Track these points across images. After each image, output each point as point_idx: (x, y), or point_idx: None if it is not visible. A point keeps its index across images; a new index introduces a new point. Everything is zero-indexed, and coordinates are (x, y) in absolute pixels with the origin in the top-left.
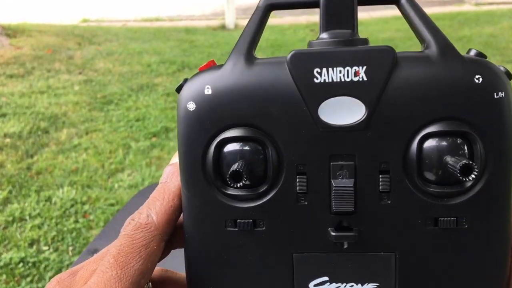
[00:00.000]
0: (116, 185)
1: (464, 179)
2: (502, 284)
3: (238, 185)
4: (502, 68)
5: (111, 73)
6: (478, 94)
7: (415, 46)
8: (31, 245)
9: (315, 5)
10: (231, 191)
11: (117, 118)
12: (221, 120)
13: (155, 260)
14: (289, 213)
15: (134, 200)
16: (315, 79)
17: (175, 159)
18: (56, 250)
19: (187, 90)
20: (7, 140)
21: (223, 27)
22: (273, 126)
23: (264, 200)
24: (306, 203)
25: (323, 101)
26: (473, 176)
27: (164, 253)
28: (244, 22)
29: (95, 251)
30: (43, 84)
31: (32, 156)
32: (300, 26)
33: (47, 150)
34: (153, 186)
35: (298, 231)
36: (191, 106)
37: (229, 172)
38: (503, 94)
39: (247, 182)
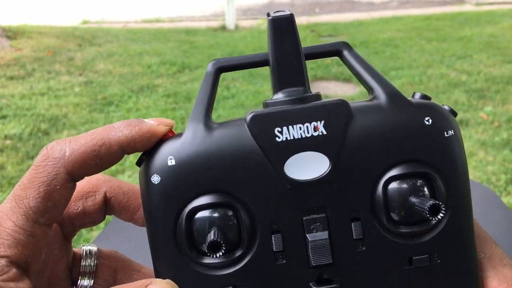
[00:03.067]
0: None
1: (433, 219)
2: None
3: (217, 255)
4: (446, 107)
5: (111, 75)
6: (430, 135)
7: (415, 46)
8: None
9: (263, 64)
10: (207, 260)
11: (118, 120)
12: (188, 190)
13: (60, 200)
14: (269, 273)
15: None
16: (277, 138)
17: (150, 121)
18: None
19: (149, 163)
20: (8, 142)
21: (223, 28)
22: (242, 189)
23: (242, 264)
24: (284, 261)
25: (287, 159)
26: (441, 215)
27: (95, 212)
28: (244, 23)
29: None
30: (44, 85)
31: (32, 158)
32: (300, 27)
33: None
34: None
35: None
36: (156, 179)
37: (207, 243)
38: (452, 132)
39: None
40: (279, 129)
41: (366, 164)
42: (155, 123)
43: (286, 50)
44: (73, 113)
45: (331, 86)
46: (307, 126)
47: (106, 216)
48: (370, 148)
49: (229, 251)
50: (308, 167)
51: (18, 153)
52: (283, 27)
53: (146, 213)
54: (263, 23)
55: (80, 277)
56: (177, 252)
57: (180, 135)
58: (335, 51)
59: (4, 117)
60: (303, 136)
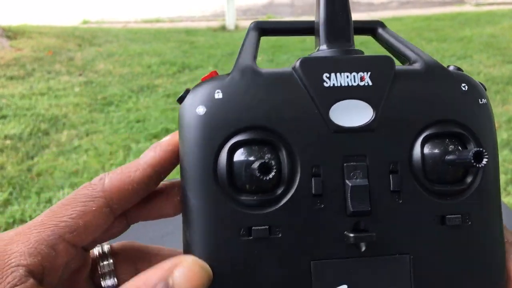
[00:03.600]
0: None
1: (477, 165)
2: (503, 277)
3: (268, 177)
4: (478, 82)
5: (111, 75)
6: (467, 99)
7: (415, 45)
8: None
9: (305, 32)
10: (245, 197)
11: (118, 120)
12: (233, 123)
13: (93, 223)
14: (306, 217)
15: None
16: (324, 83)
17: (167, 137)
18: None
19: (195, 95)
20: (8, 141)
21: (223, 28)
22: (286, 128)
23: (280, 204)
24: (322, 205)
25: (333, 104)
26: (485, 160)
27: (119, 226)
28: (244, 23)
29: None
30: (44, 85)
31: (32, 158)
32: None
33: (48, 152)
34: None
35: (315, 236)
36: (201, 110)
37: (257, 166)
38: (485, 100)
39: (272, 175)
40: (327, 75)
41: (407, 119)
42: (171, 137)
43: (337, 7)
44: (73, 113)
45: None
46: (354, 75)
47: None
48: (412, 104)
49: (268, 190)
50: (352, 114)
51: (18, 153)
52: None
53: (188, 145)
54: None
55: (101, 279)
56: (215, 186)
57: (226, 76)
58: (370, 28)
59: (4, 117)
60: (350, 84)
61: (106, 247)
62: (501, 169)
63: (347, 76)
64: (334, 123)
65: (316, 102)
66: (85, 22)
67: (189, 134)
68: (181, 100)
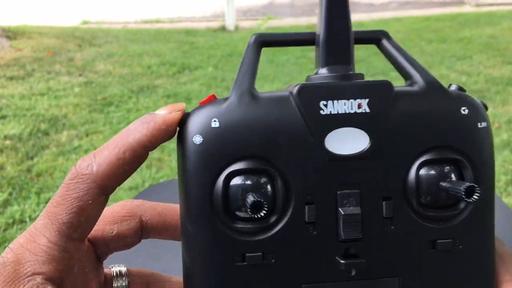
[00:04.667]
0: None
1: (468, 200)
2: None
3: (260, 215)
4: (479, 101)
5: (111, 75)
6: (465, 124)
7: (415, 47)
8: None
9: (307, 43)
10: (240, 225)
11: (118, 120)
12: (229, 153)
13: (92, 215)
14: (298, 243)
15: None
16: (321, 111)
17: (162, 111)
18: None
19: (192, 123)
20: (7, 142)
21: (223, 28)
22: (281, 157)
23: (274, 231)
24: (315, 232)
25: (329, 132)
26: (476, 195)
27: (130, 236)
28: (244, 24)
29: None
30: (43, 86)
31: (32, 158)
32: (300, 27)
33: (48, 152)
34: (153, 188)
35: (307, 261)
36: (198, 139)
37: (249, 203)
38: (485, 124)
39: (264, 212)
40: (325, 102)
41: (403, 145)
42: (167, 112)
43: (336, 27)
44: (73, 113)
45: None
46: (351, 102)
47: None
48: (409, 129)
49: (262, 218)
50: (348, 142)
51: (18, 153)
52: (337, 4)
53: (185, 173)
54: (263, 24)
55: None
56: (211, 214)
57: (224, 99)
58: (374, 38)
59: (4, 117)
60: (347, 111)
61: (124, 269)
62: (501, 169)
63: (345, 104)
64: (329, 152)
65: (312, 130)
66: (85, 22)
67: (187, 163)
68: (181, 124)
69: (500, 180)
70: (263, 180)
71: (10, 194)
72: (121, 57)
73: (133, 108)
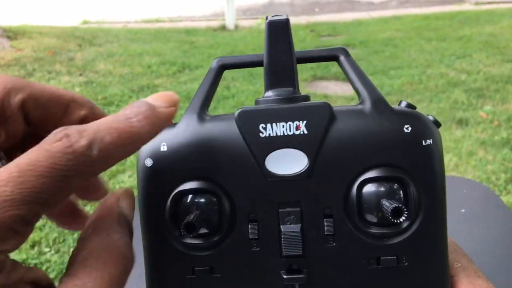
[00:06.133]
0: (117, 186)
1: (395, 221)
2: None
3: (191, 235)
4: (430, 117)
5: (111, 75)
6: (407, 142)
7: (415, 46)
8: (32, 246)
9: (261, 64)
10: (188, 241)
11: None
12: (176, 175)
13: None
14: (243, 259)
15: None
16: (260, 134)
17: (160, 103)
18: (57, 251)
19: (145, 148)
20: None
21: (223, 28)
22: (225, 178)
23: (220, 247)
24: (259, 248)
25: (269, 154)
26: (403, 218)
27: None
28: (244, 23)
29: None
30: None
31: None
32: (300, 26)
33: None
34: None
35: (252, 276)
36: (149, 162)
37: (183, 224)
38: (430, 141)
39: (204, 231)
40: (263, 126)
41: (342, 164)
42: (164, 105)
43: (279, 52)
44: None
45: (331, 85)
46: (289, 125)
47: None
48: (348, 150)
49: (209, 234)
50: (287, 163)
51: None
52: (278, 31)
53: (139, 193)
54: (262, 23)
55: None
56: (162, 230)
57: (175, 124)
58: (332, 56)
59: None
60: (285, 133)
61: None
62: (500, 168)
63: (283, 126)
64: (269, 172)
65: (253, 152)
66: (85, 22)
67: (140, 184)
68: None
69: (500, 178)
70: (209, 199)
71: None
72: (121, 57)
73: None
